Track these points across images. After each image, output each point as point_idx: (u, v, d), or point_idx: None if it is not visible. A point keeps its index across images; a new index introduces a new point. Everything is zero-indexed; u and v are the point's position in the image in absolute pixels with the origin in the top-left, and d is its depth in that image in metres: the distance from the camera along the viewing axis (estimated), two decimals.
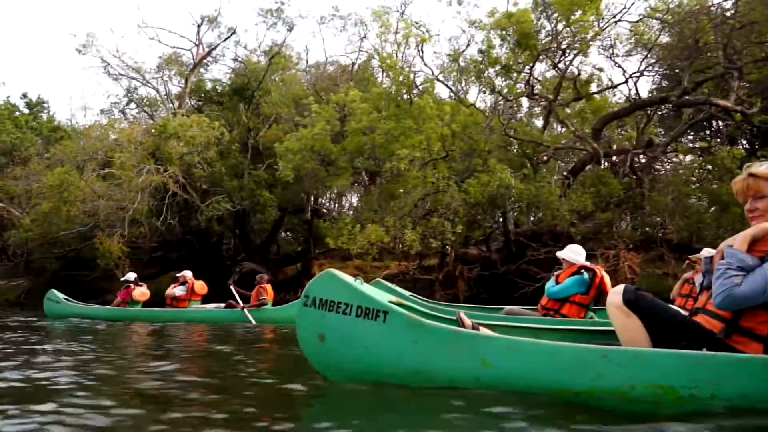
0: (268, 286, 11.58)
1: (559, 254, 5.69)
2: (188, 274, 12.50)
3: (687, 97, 13.76)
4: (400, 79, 14.46)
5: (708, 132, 19.24)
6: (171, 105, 22.58)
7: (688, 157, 16.25)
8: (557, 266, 5.97)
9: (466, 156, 14.98)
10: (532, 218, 17.04)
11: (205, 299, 12.53)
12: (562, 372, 2.97)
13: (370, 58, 21.27)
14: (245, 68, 21.78)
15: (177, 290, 12.10)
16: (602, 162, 15.53)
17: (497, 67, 14.22)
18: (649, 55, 15.48)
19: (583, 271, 5.29)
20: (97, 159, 18.64)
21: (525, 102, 19.97)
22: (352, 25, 23.36)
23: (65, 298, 12.51)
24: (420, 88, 15.30)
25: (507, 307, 5.73)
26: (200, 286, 12.30)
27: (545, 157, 15.50)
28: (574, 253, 5.60)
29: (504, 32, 13.75)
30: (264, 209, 19.06)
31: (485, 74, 14.61)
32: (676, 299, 5.57)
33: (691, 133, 18.38)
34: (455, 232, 13.22)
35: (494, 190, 13.12)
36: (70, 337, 7.41)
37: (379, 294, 3.66)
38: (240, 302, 11.16)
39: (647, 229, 15.48)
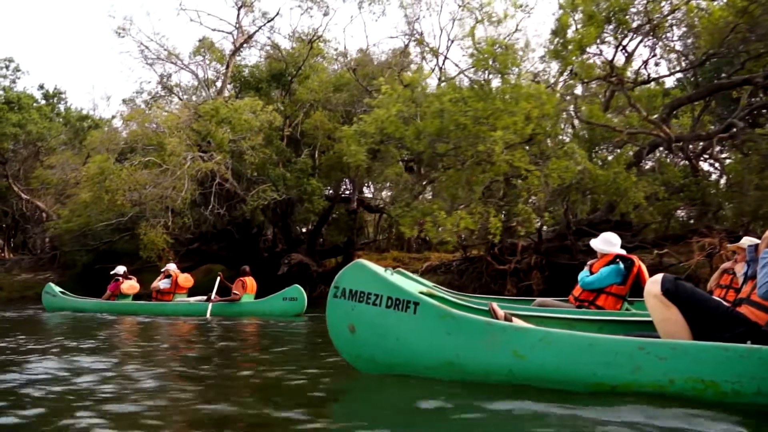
0: (248, 279, 11.97)
1: (593, 244, 5.62)
2: (172, 267, 13.04)
3: None
4: (492, 57, 14.13)
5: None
6: (210, 90, 22.92)
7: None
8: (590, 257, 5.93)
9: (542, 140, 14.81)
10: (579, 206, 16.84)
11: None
12: (598, 365, 3.01)
13: (420, 42, 21.18)
14: (283, 53, 22.06)
15: (161, 283, 12.61)
16: (672, 148, 15.18)
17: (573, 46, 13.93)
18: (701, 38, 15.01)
19: (618, 260, 5.23)
20: (139, 146, 18.84)
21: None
22: (398, 8, 23.17)
23: (61, 292, 13.47)
24: (510, 66, 15.01)
25: (538, 299, 5.66)
26: (184, 279, 12.80)
27: (619, 143, 15.18)
28: (607, 243, 5.52)
29: (596, 8, 13.45)
30: (311, 198, 19.23)
31: (563, 54, 14.37)
32: (714, 290, 5.45)
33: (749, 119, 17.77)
34: (541, 219, 13.22)
35: (574, 176, 13.09)
36: (57, 331, 8.01)
37: (410, 284, 3.77)
38: (213, 294, 11.67)
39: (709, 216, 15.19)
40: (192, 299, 12.42)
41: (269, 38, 23.57)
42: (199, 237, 20.63)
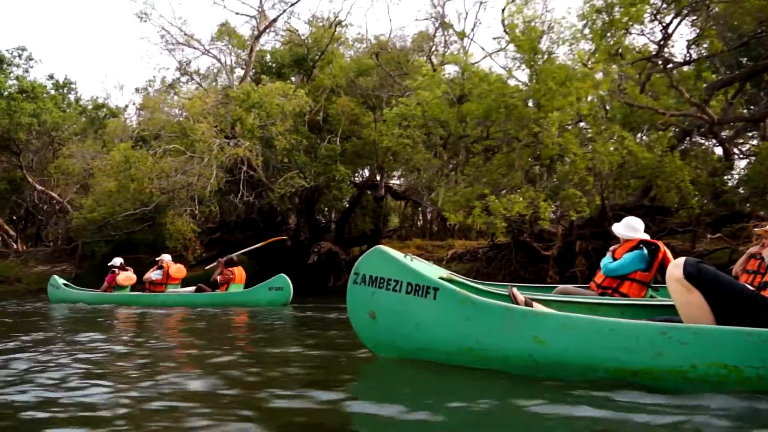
0: (236, 269, 12.30)
1: (615, 229, 5.54)
2: (167, 258, 13.38)
3: None
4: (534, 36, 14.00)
5: None
6: (233, 76, 23.07)
7: None
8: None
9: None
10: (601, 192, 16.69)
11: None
12: (619, 350, 3.05)
13: (446, 27, 21.10)
14: (303, 38, 22.14)
15: (153, 274, 13.03)
16: (714, 131, 14.96)
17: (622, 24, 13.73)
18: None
19: (642, 246, 5.18)
20: (162, 133, 18.84)
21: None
22: None
23: (64, 284, 14.11)
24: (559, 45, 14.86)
25: (560, 286, 5.60)
26: (176, 270, 13.17)
27: (662, 125, 14.98)
28: (630, 228, 5.43)
29: None
30: (339, 185, 19.18)
31: (611, 33, 14.20)
32: (740, 276, 5.38)
33: None
34: (592, 204, 13.16)
35: (621, 160, 13.04)
36: (51, 323, 8.25)
37: (430, 270, 3.86)
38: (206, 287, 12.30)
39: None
40: (182, 290, 12.84)
41: (287, 23, 23.62)
42: (222, 226, 20.78)
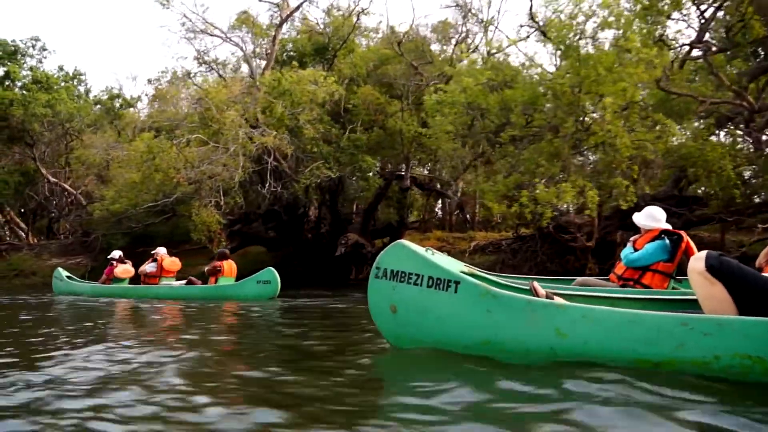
0: (226, 263, 12.53)
1: (636, 219, 5.52)
2: (162, 250, 13.76)
3: None
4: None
5: None
6: (253, 64, 23.15)
7: None
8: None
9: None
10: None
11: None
12: (641, 341, 3.12)
13: (469, 16, 21.06)
14: (322, 27, 22.23)
15: (148, 267, 13.43)
16: (753, 118, 14.78)
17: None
18: None
19: (664, 236, 5.16)
20: (184, 123, 19.01)
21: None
22: None
23: (67, 276, 14.73)
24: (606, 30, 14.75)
25: (579, 278, 5.65)
26: (170, 263, 13.52)
27: (703, 113, 14.85)
28: (651, 218, 5.40)
29: None
30: (365, 176, 19.23)
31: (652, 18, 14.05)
32: (763, 268, 5.31)
33: None
34: (638, 193, 13.15)
35: (665, 148, 13.00)
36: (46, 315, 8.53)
37: (451, 264, 3.95)
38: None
39: None
40: (175, 283, 13.16)
41: (307, 12, 23.69)
42: (243, 218, 20.90)
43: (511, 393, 2.87)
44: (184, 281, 13.15)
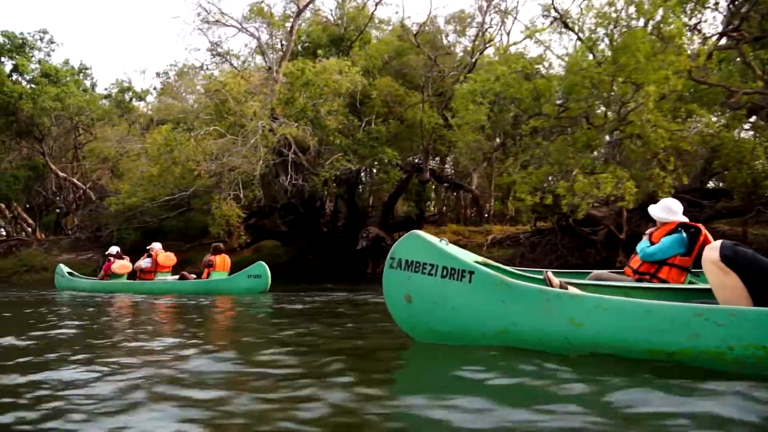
0: (219, 257, 12.75)
1: (651, 211, 5.44)
2: (157, 246, 14.01)
3: None
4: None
5: None
6: (271, 55, 23.20)
7: None
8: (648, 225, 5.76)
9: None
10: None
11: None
12: (655, 331, 3.18)
13: (492, 6, 21.00)
14: (337, 18, 22.28)
15: (143, 263, 13.78)
16: None
17: None
18: None
19: (681, 229, 5.08)
20: (201, 115, 19.11)
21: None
22: None
23: (69, 272, 15.08)
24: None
25: (594, 272, 5.57)
26: (165, 258, 13.82)
27: (735, 104, 14.72)
28: (668, 211, 5.30)
29: None
30: (386, 168, 19.19)
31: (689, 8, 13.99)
32: None
33: None
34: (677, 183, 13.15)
35: (700, 140, 12.95)
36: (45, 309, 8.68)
37: (465, 254, 4.04)
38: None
39: None
40: (169, 278, 13.48)
41: (321, 2, 23.71)
42: (261, 212, 20.95)
43: (528, 385, 2.92)
44: (174, 277, 13.50)
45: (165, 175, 17.95)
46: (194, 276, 12.94)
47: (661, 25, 13.47)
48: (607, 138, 14.49)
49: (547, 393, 2.74)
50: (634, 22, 13.97)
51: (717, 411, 2.35)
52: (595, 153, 14.18)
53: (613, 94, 13.37)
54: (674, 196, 13.36)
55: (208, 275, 12.54)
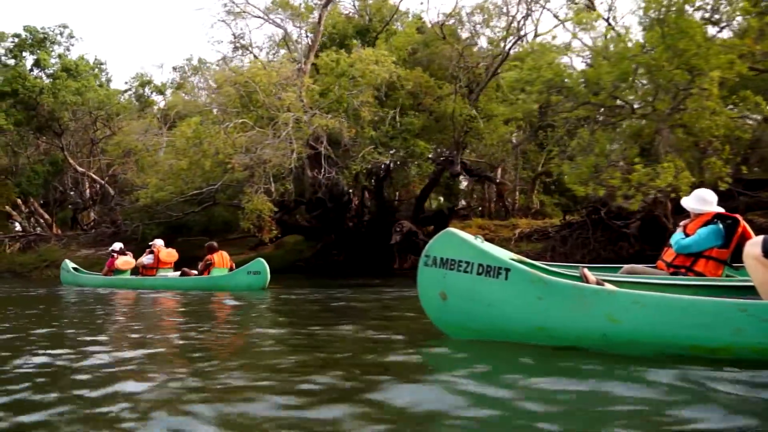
0: (216, 255, 12.88)
1: (684, 203, 5.38)
2: (159, 242, 14.33)
3: None
4: None
5: None
6: (297, 46, 23.26)
7: None
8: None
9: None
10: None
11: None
12: (697, 327, 3.21)
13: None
14: (360, 9, 22.29)
15: (145, 259, 14.05)
16: None
17: None
18: None
19: (717, 220, 5.00)
20: (231, 107, 18.96)
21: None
22: None
23: (74, 268, 15.63)
24: None
25: (626, 266, 5.52)
26: (167, 254, 14.12)
27: None
28: (702, 201, 5.24)
29: None
30: (418, 162, 19.01)
31: None
32: None
33: None
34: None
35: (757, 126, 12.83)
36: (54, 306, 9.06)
37: (500, 251, 4.09)
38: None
39: None
40: (170, 274, 13.70)
41: None
42: (291, 205, 20.90)
43: (566, 382, 2.96)
44: (174, 273, 13.71)
45: (194, 168, 17.88)
46: (195, 272, 13.08)
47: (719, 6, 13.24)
48: (662, 127, 14.26)
49: (584, 393, 2.77)
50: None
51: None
52: (654, 141, 13.90)
53: (672, 81, 13.09)
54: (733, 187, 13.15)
55: (209, 273, 12.73)
